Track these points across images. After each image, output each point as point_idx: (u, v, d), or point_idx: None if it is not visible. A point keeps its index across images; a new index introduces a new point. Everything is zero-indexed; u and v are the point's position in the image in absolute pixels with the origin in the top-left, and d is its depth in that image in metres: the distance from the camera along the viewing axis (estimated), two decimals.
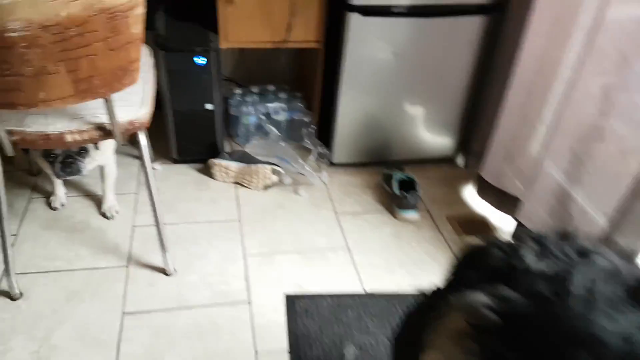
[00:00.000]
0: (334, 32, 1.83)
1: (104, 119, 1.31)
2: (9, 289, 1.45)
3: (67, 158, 1.49)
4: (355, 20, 1.73)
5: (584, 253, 0.60)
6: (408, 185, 1.90)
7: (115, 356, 1.34)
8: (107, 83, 1.17)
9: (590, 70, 1.39)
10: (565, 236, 0.64)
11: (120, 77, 1.19)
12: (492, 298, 0.53)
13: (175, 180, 1.96)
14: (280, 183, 1.96)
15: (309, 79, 2.12)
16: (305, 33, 1.85)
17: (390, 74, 1.86)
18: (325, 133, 2.05)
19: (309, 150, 2.04)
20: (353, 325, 1.45)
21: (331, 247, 1.74)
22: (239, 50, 2.24)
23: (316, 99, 2.07)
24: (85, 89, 1.15)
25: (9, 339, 1.35)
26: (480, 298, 0.54)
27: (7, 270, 1.42)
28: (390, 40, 1.78)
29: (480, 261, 0.66)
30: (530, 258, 0.59)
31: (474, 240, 0.79)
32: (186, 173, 2.00)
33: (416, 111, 1.99)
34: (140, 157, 1.44)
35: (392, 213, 1.90)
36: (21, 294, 1.46)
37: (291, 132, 2.09)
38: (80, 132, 1.30)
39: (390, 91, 1.91)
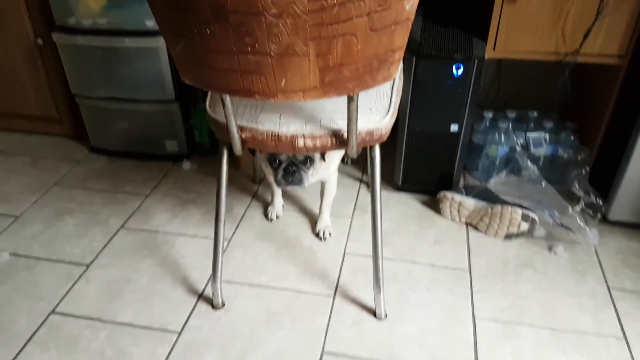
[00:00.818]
0: None
1: (341, 125, 1.11)
2: (212, 296, 1.35)
3: (291, 166, 1.35)
4: None
5: None
6: None
7: None
8: (357, 76, 0.95)
9: None
10: None
11: (375, 69, 0.96)
12: None
13: (396, 210, 1.70)
14: (528, 234, 1.53)
15: (592, 106, 1.64)
16: (604, 44, 1.39)
17: None
18: (602, 179, 1.56)
19: (574, 198, 1.56)
20: None
21: (599, 332, 1.26)
22: (497, 62, 1.89)
23: (598, 133, 1.57)
24: (331, 81, 0.95)
25: (203, 353, 1.22)
26: None
27: (214, 275, 1.31)
28: None
29: None
30: None
31: None
32: (408, 204, 1.73)
33: None
34: (371, 176, 1.21)
35: None
36: (223, 304, 1.35)
37: (551, 171, 1.64)
38: (313, 137, 1.12)
39: None
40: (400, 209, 1.71)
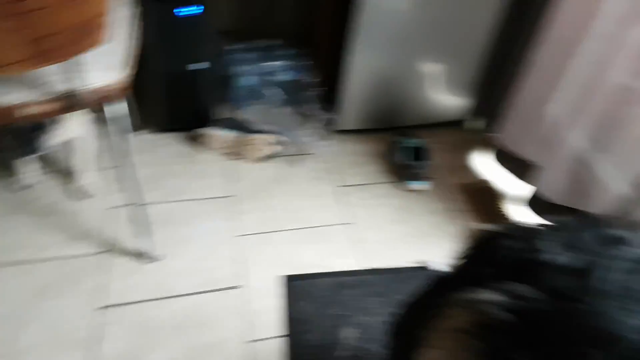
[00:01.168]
0: None
1: (70, 86, 1.08)
2: None
3: (27, 133, 1.27)
4: None
5: (612, 241, 0.51)
6: (417, 153, 1.74)
7: (95, 357, 1.18)
8: (64, 44, 0.94)
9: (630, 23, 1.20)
10: (589, 221, 0.55)
11: (86, 35, 0.96)
12: (505, 296, 0.48)
13: (161, 152, 1.74)
14: (279, 154, 1.75)
15: (318, 30, 1.84)
16: None
17: (408, 28, 1.61)
18: (333, 96, 1.81)
19: (313, 116, 1.81)
20: (351, 304, 1.35)
21: (332, 223, 1.58)
22: None
23: (325, 55, 1.78)
24: (45, 50, 0.93)
25: None
26: (490, 296, 0.48)
27: None
28: None
29: (491, 252, 0.57)
30: (549, 249, 0.51)
31: (486, 224, 0.70)
32: (173, 144, 1.78)
33: (432, 70, 1.75)
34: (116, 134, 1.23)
35: (401, 184, 1.72)
36: None
37: (296, 95, 1.85)
38: (37, 104, 1.07)
39: (406, 48, 1.66)
40: (166, 150, 1.75)
